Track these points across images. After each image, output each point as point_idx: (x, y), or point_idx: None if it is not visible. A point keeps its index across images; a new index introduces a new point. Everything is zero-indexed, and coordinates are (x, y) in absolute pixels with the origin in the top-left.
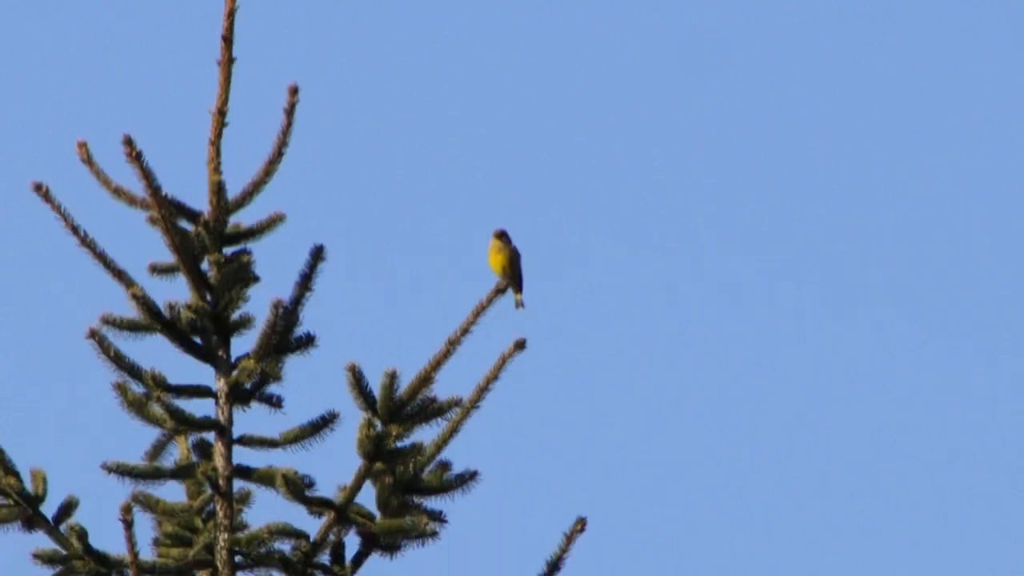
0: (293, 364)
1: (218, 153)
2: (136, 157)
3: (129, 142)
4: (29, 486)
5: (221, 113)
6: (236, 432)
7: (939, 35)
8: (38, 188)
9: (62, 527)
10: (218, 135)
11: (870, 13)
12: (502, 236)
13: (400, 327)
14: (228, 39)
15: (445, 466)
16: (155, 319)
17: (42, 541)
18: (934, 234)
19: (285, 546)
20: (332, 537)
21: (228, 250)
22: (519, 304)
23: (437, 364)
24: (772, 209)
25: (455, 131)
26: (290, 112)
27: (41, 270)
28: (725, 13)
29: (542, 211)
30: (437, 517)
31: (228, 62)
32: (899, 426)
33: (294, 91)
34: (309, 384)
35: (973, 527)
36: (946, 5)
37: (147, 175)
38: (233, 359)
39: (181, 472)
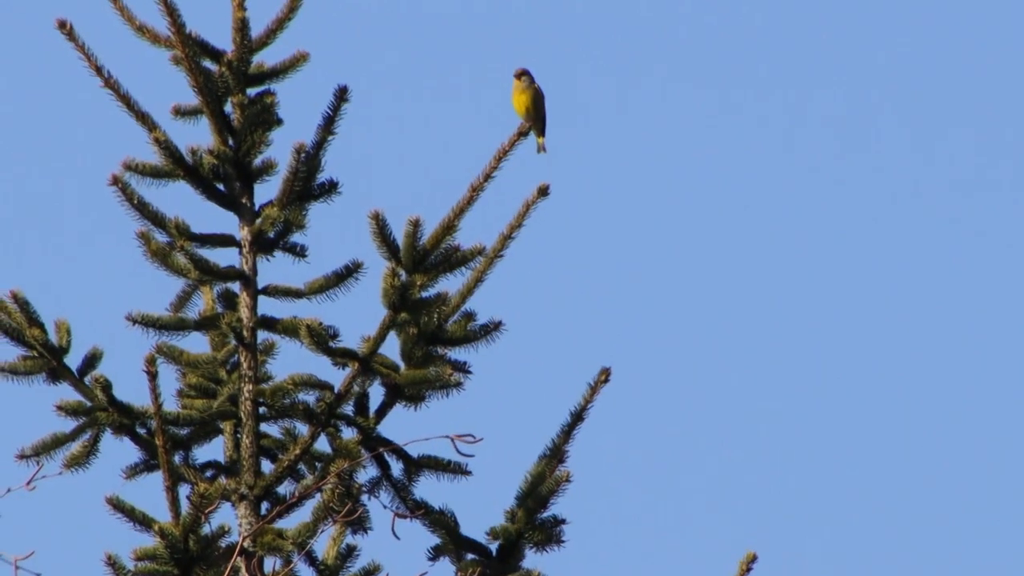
0: (317, 211)
1: None
2: None
3: None
4: (53, 337)
5: None
6: (260, 282)
7: None
8: (62, 26)
9: (86, 379)
10: None
11: None
12: (524, 75)
13: (424, 172)
14: None
15: (469, 316)
16: (178, 165)
17: (66, 393)
18: None
19: (309, 397)
20: (356, 388)
21: (251, 91)
22: (541, 148)
23: (460, 211)
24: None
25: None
26: None
27: (64, 112)
28: None
29: (567, 52)
30: (461, 368)
31: None
32: None
33: None
34: (333, 232)
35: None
36: None
37: (171, 11)
38: (256, 207)
39: (205, 323)
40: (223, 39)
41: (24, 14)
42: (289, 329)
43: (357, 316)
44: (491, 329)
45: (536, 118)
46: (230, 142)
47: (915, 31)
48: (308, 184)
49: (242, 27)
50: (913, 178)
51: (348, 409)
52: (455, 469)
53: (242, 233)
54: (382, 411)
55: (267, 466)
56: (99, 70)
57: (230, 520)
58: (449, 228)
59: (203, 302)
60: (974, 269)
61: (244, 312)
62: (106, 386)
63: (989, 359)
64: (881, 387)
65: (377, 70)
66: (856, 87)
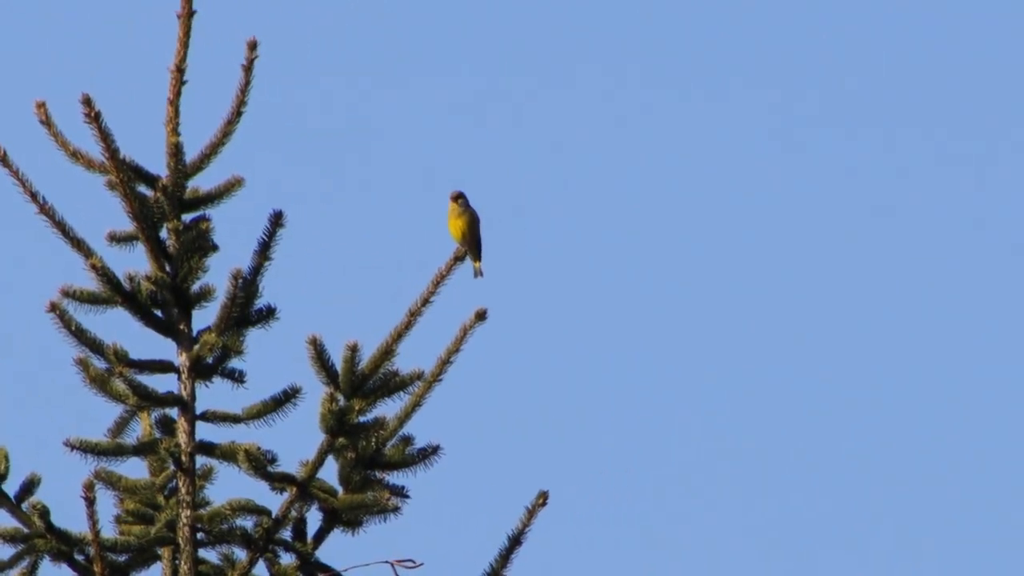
0: (254, 337)
1: (176, 113)
2: (95, 118)
3: (88, 102)
4: None
5: (180, 70)
6: (199, 407)
7: None
8: None
9: (24, 505)
10: (176, 93)
11: None
12: (460, 198)
13: (361, 298)
14: None
15: (407, 440)
16: (116, 291)
17: (4, 519)
18: None
19: (247, 522)
20: (294, 513)
21: (186, 217)
22: (478, 272)
23: (398, 336)
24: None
25: (417, 85)
26: (248, 68)
27: None
28: None
29: (497, 172)
30: (399, 492)
31: (188, 15)
32: None
33: (253, 46)
34: (271, 358)
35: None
36: None
37: (105, 137)
38: (195, 332)
39: (144, 448)
40: (158, 164)
41: None
42: (227, 454)
43: (295, 441)
44: (429, 453)
45: (472, 242)
46: (167, 268)
47: (911, 33)
48: (246, 310)
49: (176, 152)
50: (911, 178)
51: (286, 534)
52: None
53: (180, 359)
54: (320, 536)
55: None
56: (34, 196)
57: None
58: (387, 353)
59: (141, 427)
60: (972, 271)
61: (182, 437)
62: (44, 513)
63: (988, 360)
64: (880, 389)
65: (315, 190)
66: (850, 86)
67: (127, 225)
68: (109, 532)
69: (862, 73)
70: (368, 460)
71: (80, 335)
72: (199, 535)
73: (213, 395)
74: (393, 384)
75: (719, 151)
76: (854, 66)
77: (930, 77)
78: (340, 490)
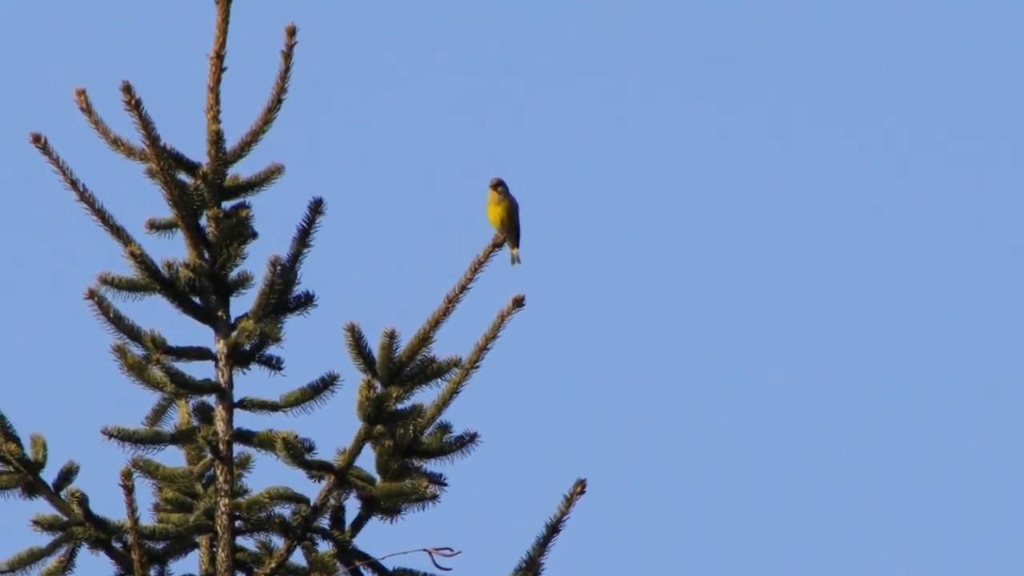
0: (292, 324)
1: (217, 100)
2: (135, 105)
3: (128, 89)
4: (29, 452)
5: (219, 57)
6: (236, 395)
7: None
8: (36, 139)
9: (62, 493)
10: (217, 80)
11: None
12: (500, 185)
13: (399, 283)
14: None
15: (445, 428)
16: (154, 278)
17: (42, 507)
18: None
19: (285, 510)
20: (332, 501)
21: (226, 204)
22: (515, 259)
23: (436, 323)
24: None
25: (460, 82)
26: (288, 55)
27: (38, 224)
28: None
29: (538, 162)
30: (437, 480)
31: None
32: None
33: (292, 32)
34: (309, 344)
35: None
36: None
37: (146, 124)
38: (232, 319)
39: (181, 436)
40: (198, 151)
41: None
42: (265, 442)
43: (333, 428)
44: (467, 441)
45: (510, 229)
46: (206, 255)
47: (908, 34)
48: (284, 297)
49: (217, 140)
50: (910, 178)
51: (324, 522)
52: None
53: (218, 346)
54: (358, 524)
55: None
56: (74, 184)
57: None
58: (425, 340)
59: (179, 415)
60: (972, 271)
61: (220, 425)
62: (82, 500)
63: (987, 361)
64: (878, 392)
65: (352, 177)
66: (850, 86)
67: (166, 212)
68: (147, 520)
69: (861, 72)
70: (406, 448)
71: (118, 322)
72: (237, 523)
73: (251, 382)
74: (430, 371)
75: (720, 150)
76: (853, 66)
77: (928, 78)
78: (378, 478)
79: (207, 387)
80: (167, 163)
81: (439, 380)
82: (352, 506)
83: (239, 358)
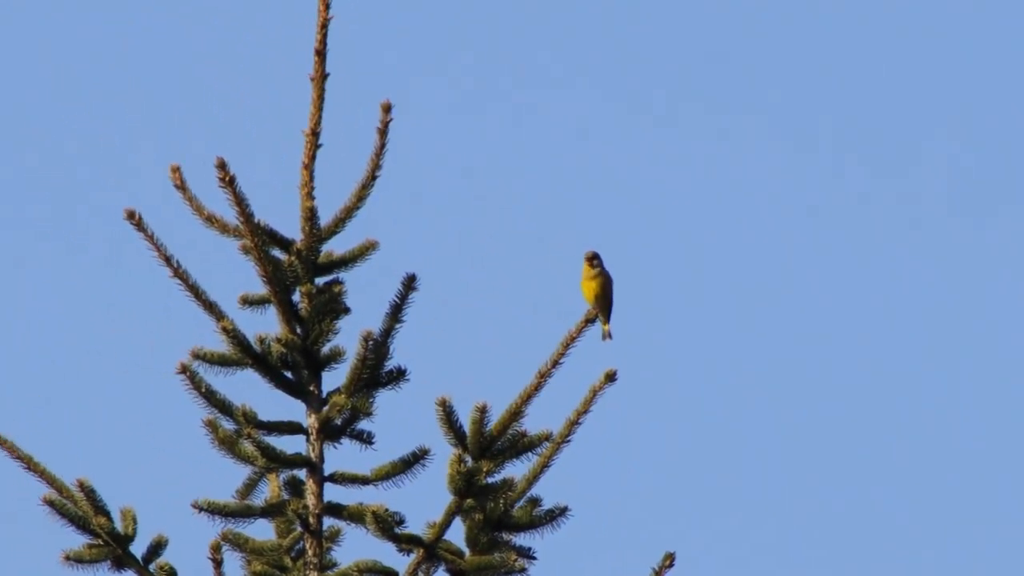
0: (384, 398)
1: (311, 177)
2: (229, 182)
3: (222, 166)
4: (119, 525)
5: (315, 134)
6: (327, 468)
7: None
8: (131, 216)
9: (151, 566)
10: (311, 158)
11: None
12: (595, 259)
13: (491, 357)
14: (321, 52)
15: (535, 501)
16: (246, 353)
17: None
18: None
19: None
20: (421, 574)
21: (319, 280)
22: (606, 335)
23: (527, 397)
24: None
25: (545, 164)
26: (383, 132)
27: (132, 299)
28: None
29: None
30: (526, 554)
31: (321, 77)
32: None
33: (387, 108)
34: (400, 419)
35: None
36: None
37: (240, 201)
38: (324, 393)
39: (271, 510)
40: (292, 227)
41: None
42: (355, 515)
43: (423, 502)
44: (557, 514)
45: (604, 305)
46: (298, 330)
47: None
48: (376, 371)
49: (311, 216)
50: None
51: None
52: None
53: (309, 420)
54: None
55: None
56: (168, 260)
57: None
58: (516, 414)
59: (269, 488)
60: (968, 276)
61: (310, 499)
62: (171, 574)
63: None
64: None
65: (444, 254)
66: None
67: (259, 287)
68: None
69: (864, 81)
70: (496, 521)
71: (209, 396)
72: None
73: (342, 456)
74: (521, 445)
75: (722, 160)
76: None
77: (929, 83)
78: (467, 551)
79: (298, 461)
80: (261, 240)
81: (530, 454)
82: None
83: (330, 432)
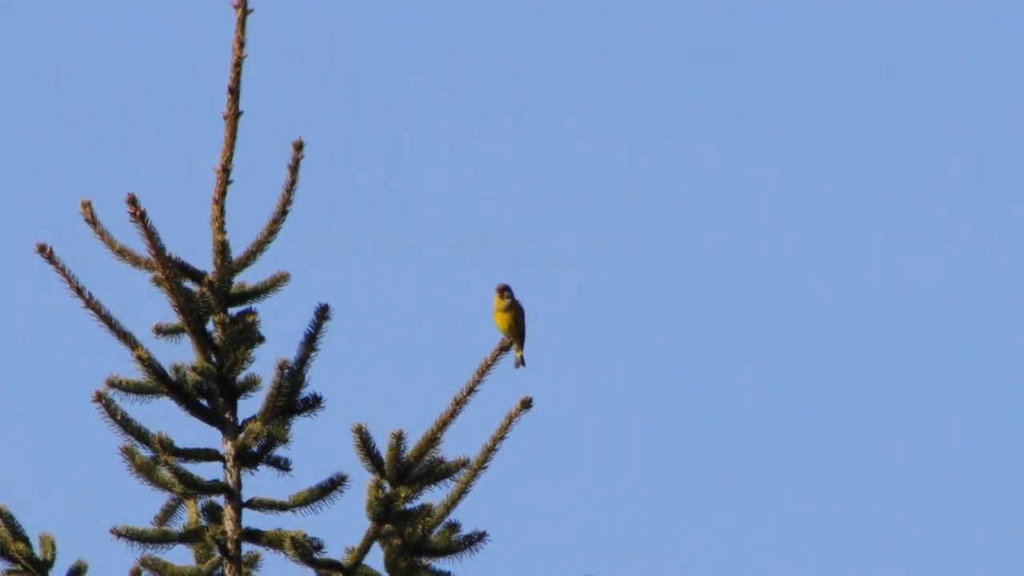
0: (300, 425)
1: (222, 212)
2: (140, 217)
3: (133, 201)
4: (38, 551)
5: (226, 171)
6: (245, 495)
7: None
8: (42, 250)
9: None
10: (222, 193)
11: None
12: (506, 291)
13: (406, 385)
14: (235, 91)
15: (453, 527)
16: (161, 382)
17: None
18: None
19: None
20: None
21: (233, 310)
22: (519, 362)
23: (443, 424)
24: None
25: (465, 184)
26: (294, 168)
27: (44, 331)
28: None
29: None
30: None
31: (234, 116)
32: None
33: (299, 147)
34: (317, 446)
35: None
36: None
37: (151, 235)
38: (240, 421)
39: (190, 536)
40: (203, 259)
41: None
42: (274, 541)
43: (342, 528)
44: (475, 539)
45: (517, 333)
46: (213, 359)
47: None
48: (291, 399)
49: (222, 250)
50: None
51: None
52: None
53: (226, 447)
54: None
55: None
56: (79, 291)
57: None
58: (432, 441)
59: (188, 514)
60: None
61: (229, 525)
62: None
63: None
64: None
65: (359, 283)
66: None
67: (173, 317)
68: None
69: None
70: (414, 546)
71: (126, 424)
72: None
73: (259, 483)
74: (439, 471)
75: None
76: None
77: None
78: None
79: (215, 488)
80: (173, 272)
81: (448, 480)
82: None
83: (247, 459)
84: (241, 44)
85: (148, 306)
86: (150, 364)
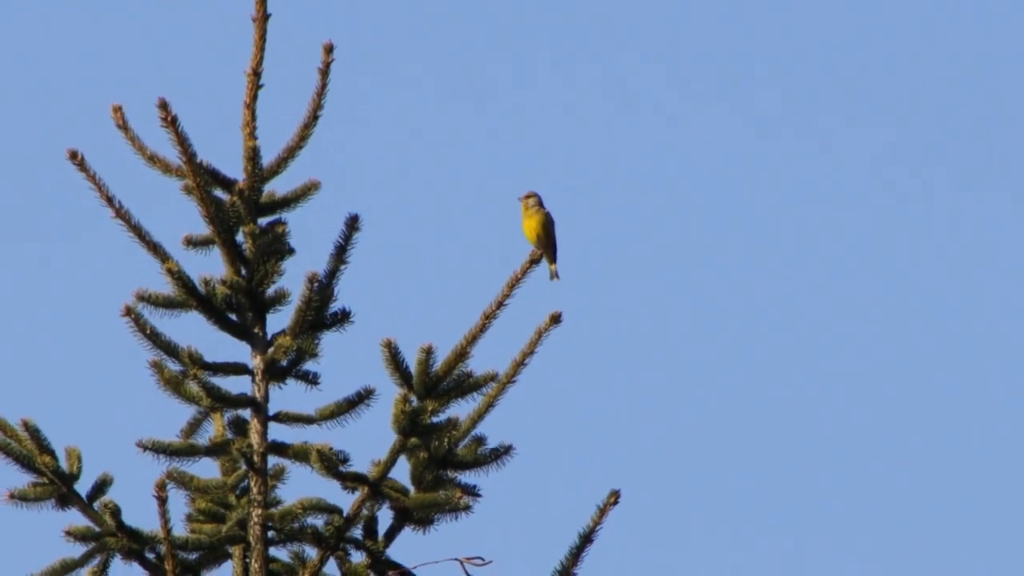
0: (329, 340)
1: (253, 117)
2: (171, 122)
3: (164, 106)
4: (64, 464)
5: (256, 74)
6: (272, 409)
7: None
8: (73, 156)
9: (96, 504)
10: (253, 97)
11: None
12: (532, 197)
13: (436, 299)
14: None
15: (479, 440)
16: (190, 295)
17: (75, 518)
18: None
19: (318, 521)
20: (365, 512)
21: (263, 220)
22: (554, 275)
23: (473, 339)
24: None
25: (496, 99)
26: (325, 72)
27: (74, 241)
28: None
29: (576, 177)
30: (471, 491)
31: (263, 18)
32: None
33: (329, 49)
34: (345, 360)
35: None
36: None
37: (182, 141)
38: (269, 336)
39: (216, 449)
40: (235, 168)
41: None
42: (299, 454)
43: (368, 441)
44: (501, 453)
45: (547, 244)
46: (243, 272)
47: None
48: (321, 313)
49: (253, 156)
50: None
51: (357, 533)
52: None
53: (254, 361)
54: (391, 534)
55: None
56: (110, 200)
57: None
58: (462, 355)
59: (214, 428)
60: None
61: (255, 438)
62: (115, 512)
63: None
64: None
65: (389, 195)
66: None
67: (203, 229)
68: (180, 531)
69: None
70: (440, 460)
71: (155, 338)
72: (270, 533)
73: (287, 397)
74: (467, 386)
75: (729, 148)
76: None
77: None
78: (412, 489)
79: (243, 401)
80: (203, 179)
81: (475, 394)
82: (385, 517)
83: (275, 373)
84: None
85: (178, 219)
86: (180, 277)
